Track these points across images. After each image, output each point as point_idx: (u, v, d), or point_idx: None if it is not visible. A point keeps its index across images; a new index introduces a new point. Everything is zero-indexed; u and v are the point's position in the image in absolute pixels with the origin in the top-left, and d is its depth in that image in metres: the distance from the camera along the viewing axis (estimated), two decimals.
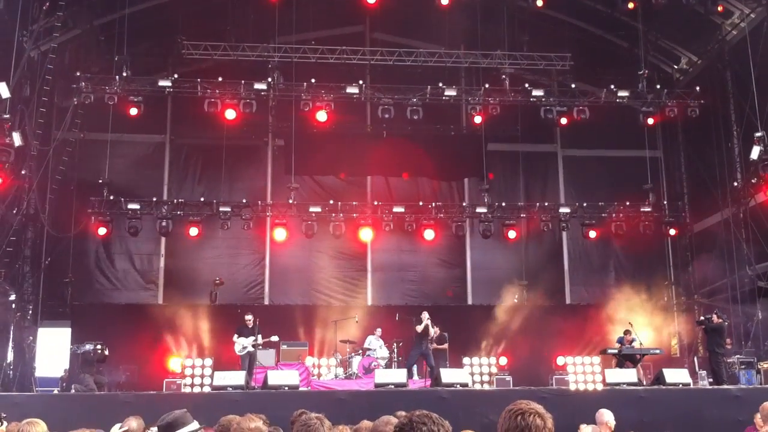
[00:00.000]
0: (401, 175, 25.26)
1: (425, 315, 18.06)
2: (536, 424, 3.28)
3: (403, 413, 4.30)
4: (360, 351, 19.84)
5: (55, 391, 19.07)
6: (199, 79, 21.94)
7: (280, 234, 22.66)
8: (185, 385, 19.38)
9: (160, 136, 25.09)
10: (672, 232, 24.43)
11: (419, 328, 17.92)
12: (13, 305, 21.14)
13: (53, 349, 21.81)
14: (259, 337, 17.89)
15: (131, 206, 22.10)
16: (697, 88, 22.85)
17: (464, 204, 24.49)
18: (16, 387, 18.93)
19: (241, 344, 17.71)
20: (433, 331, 18.32)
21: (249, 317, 18.11)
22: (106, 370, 18.99)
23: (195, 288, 23.85)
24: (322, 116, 22.16)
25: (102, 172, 22.18)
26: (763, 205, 20.88)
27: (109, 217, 21.77)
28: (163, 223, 22.25)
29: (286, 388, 14.90)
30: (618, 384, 15.55)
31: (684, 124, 24.92)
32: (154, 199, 23.04)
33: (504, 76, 22.60)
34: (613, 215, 23.51)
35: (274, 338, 18.53)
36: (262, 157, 25.31)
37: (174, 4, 22.44)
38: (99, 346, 17.12)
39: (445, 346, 20.26)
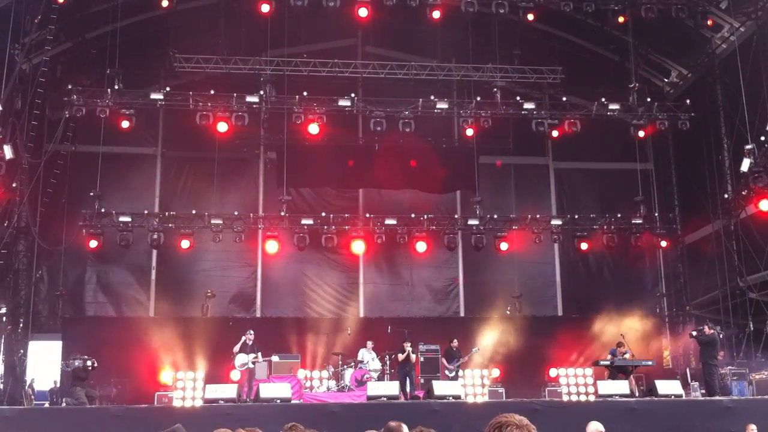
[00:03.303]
0: (393, 186, 25.23)
1: (407, 345, 18.37)
2: None
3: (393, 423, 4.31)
4: (352, 363, 19.79)
5: (46, 405, 19.01)
6: (191, 92, 21.94)
7: (271, 246, 22.63)
8: (177, 398, 19.31)
9: (151, 148, 25.05)
10: (663, 244, 24.53)
11: (401, 356, 18.21)
12: (4, 318, 21.06)
13: (44, 363, 21.71)
14: (260, 355, 17.93)
15: (122, 219, 22.02)
16: (688, 101, 23.00)
17: (456, 216, 24.51)
18: (6, 400, 18.81)
19: (241, 360, 17.75)
20: (414, 357, 18.63)
21: (251, 333, 18.17)
22: (97, 384, 18.89)
23: (186, 301, 23.77)
24: (314, 129, 22.18)
25: (93, 185, 22.12)
26: (753, 217, 20.97)
27: (100, 229, 21.69)
28: (155, 236, 22.19)
29: (278, 400, 14.86)
30: (610, 395, 15.57)
31: (675, 137, 25.08)
32: (146, 211, 22.99)
33: (495, 90, 22.71)
34: (605, 227, 23.56)
35: (275, 358, 18.64)
36: (254, 170, 25.30)
37: (166, 18, 22.43)
38: (88, 362, 17.03)
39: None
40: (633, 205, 24.14)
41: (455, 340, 20.30)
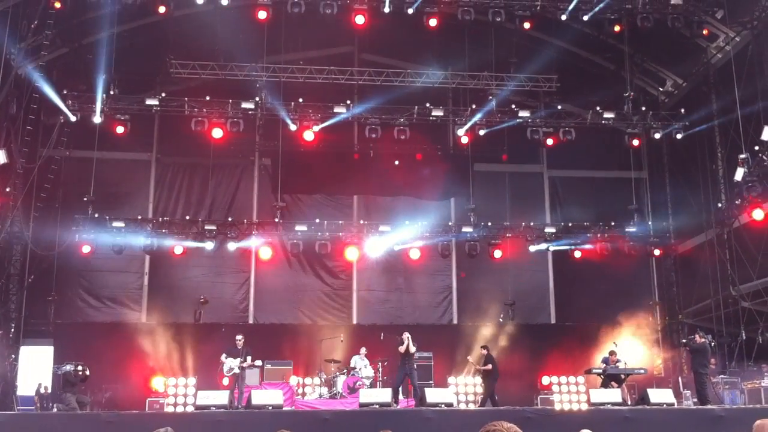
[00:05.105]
0: (388, 193, 25.24)
1: (406, 335, 18.02)
2: None
3: None
4: (345, 370, 19.75)
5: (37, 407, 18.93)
6: (186, 98, 21.94)
7: (265, 253, 22.62)
8: (168, 404, 19.26)
9: (146, 154, 25.03)
10: (657, 252, 24.55)
11: (401, 349, 17.90)
12: None
13: (35, 368, 21.63)
14: (248, 359, 17.64)
15: (116, 224, 21.99)
16: (682, 111, 23.06)
17: (450, 224, 24.51)
18: None
19: (228, 365, 17.57)
20: (414, 349, 18.15)
21: (239, 338, 17.85)
22: (89, 390, 18.80)
23: (179, 306, 23.69)
24: (309, 136, 22.18)
25: (87, 190, 22.07)
26: (747, 227, 21.01)
27: (93, 235, 21.63)
28: (148, 242, 22.15)
29: (270, 407, 14.79)
30: (603, 404, 15.53)
31: (669, 146, 25.13)
32: (139, 217, 22.99)
33: (491, 97, 22.74)
34: (599, 235, 23.59)
35: (258, 363, 18.34)
36: (249, 176, 25.28)
37: (163, 24, 22.44)
38: (80, 367, 16.95)
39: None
40: (627, 214, 24.20)
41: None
